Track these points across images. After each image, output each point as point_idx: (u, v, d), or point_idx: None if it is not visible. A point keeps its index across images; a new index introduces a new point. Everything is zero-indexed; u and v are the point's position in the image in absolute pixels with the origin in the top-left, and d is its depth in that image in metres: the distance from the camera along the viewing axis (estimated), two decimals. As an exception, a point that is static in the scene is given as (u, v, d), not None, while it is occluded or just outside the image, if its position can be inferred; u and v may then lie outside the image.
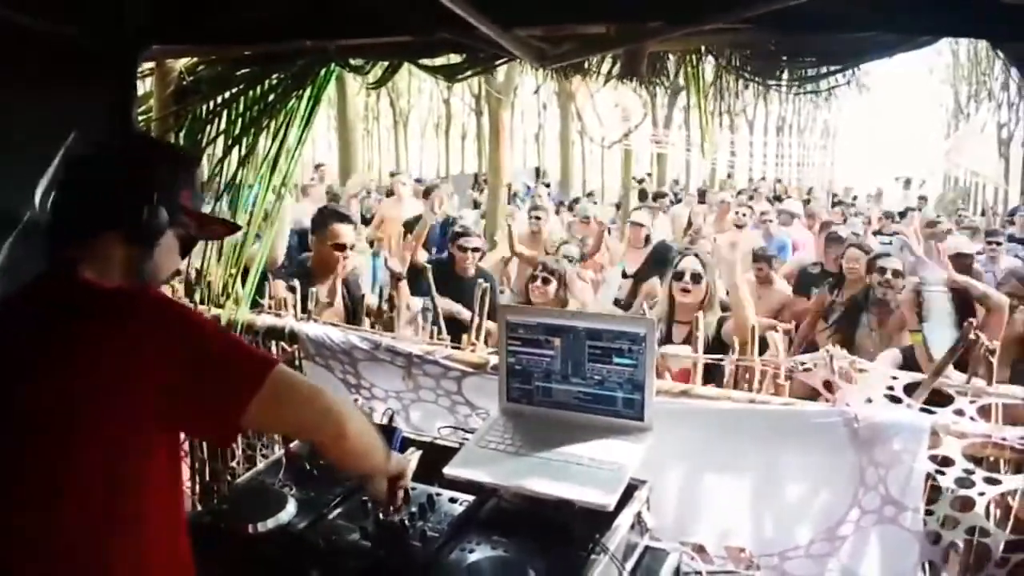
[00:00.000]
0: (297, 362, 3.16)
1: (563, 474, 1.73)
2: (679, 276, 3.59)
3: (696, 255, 3.70)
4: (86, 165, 1.43)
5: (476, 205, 10.82)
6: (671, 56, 2.81)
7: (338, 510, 1.81)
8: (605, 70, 2.89)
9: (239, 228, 1.66)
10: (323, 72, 2.92)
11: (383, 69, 2.83)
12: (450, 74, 2.72)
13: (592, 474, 1.73)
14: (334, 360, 3.01)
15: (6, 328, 1.32)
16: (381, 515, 1.73)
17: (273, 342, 3.22)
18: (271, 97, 3.01)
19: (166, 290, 3.23)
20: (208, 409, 1.29)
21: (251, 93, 3.04)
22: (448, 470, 1.81)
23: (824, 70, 2.20)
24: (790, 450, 2.22)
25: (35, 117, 2.58)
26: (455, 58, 2.74)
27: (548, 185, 16.18)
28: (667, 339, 3.57)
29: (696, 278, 3.55)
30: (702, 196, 11.19)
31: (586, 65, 2.87)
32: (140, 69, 3.09)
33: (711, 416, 2.30)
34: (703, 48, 2.48)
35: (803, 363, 2.26)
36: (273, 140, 3.03)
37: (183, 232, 1.46)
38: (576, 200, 11.07)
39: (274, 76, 2.99)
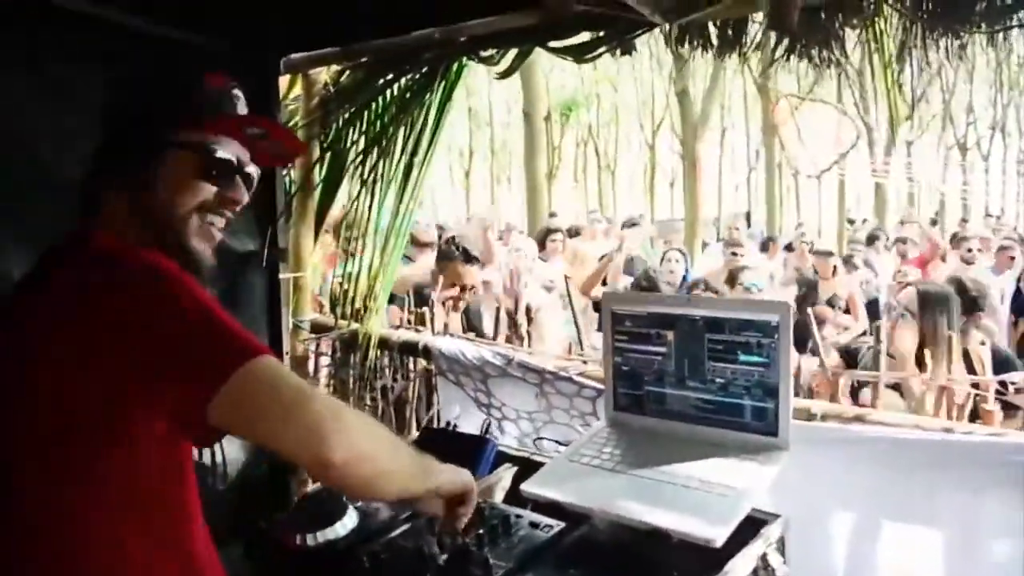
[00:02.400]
0: (433, 379, 3.01)
1: (663, 498, 1.35)
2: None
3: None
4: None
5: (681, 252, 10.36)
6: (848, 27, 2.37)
7: (403, 528, 1.53)
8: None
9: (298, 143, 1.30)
10: (455, 67, 2.76)
11: (512, 59, 2.60)
12: (580, 54, 2.44)
13: (700, 500, 1.33)
14: (466, 376, 2.81)
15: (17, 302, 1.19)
16: (445, 537, 1.44)
17: (411, 358, 3.10)
18: (407, 95, 2.88)
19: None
20: (173, 398, 1.05)
21: (387, 94, 2.94)
22: (525, 486, 1.49)
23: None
24: (997, 499, 1.69)
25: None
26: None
27: (749, 225, 15.30)
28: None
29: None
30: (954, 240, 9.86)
31: (744, 44, 2.50)
32: (284, 81, 3.11)
33: (890, 448, 1.81)
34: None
35: (1013, 382, 1.73)
36: (407, 140, 2.89)
37: (194, 155, 1.20)
38: (770, 239, 10.28)
39: (407, 77, 2.87)
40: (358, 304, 3.21)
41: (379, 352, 3.14)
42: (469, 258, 3.58)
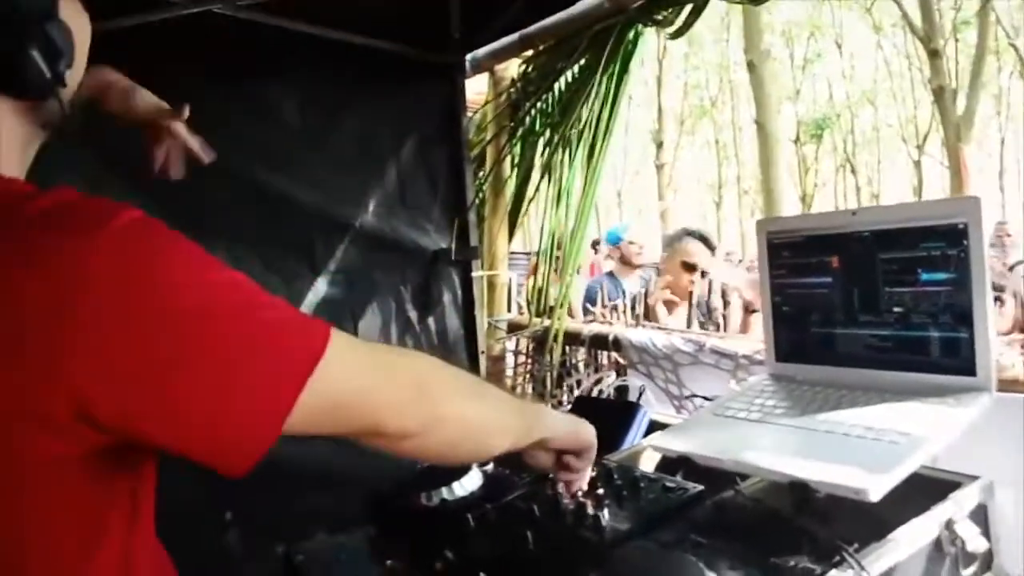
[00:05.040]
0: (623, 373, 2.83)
1: (814, 448, 1.07)
2: None
3: None
4: None
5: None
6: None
7: (523, 491, 1.36)
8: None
9: None
10: (629, 35, 2.59)
11: (685, 16, 2.37)
12: (757, -7, 2.18)
13: (861, 449, 1.03)
14: (656, 367, 2.60)
15: None
16: (562, 498, 1.25)
17: (605, 353, 2.93)
18: (586, 73, 2.75)
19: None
20: (215, 422, 0.70)
21: (568, 75, 2.83)
22: (653, 440, 1.26)
23: None
24: None
25: (367, 130, 2.67)
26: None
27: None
28: None
29: None
30: None
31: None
32: (471, 79, 3.10)
33: None
34: None
35: None
36: (588, 120, 2.75)
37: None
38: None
39: (585, 57, 2.75)
40: (551, 301, 3.11)
41: (570, 348, 3.01)
42: (704, 239, 3.34)
